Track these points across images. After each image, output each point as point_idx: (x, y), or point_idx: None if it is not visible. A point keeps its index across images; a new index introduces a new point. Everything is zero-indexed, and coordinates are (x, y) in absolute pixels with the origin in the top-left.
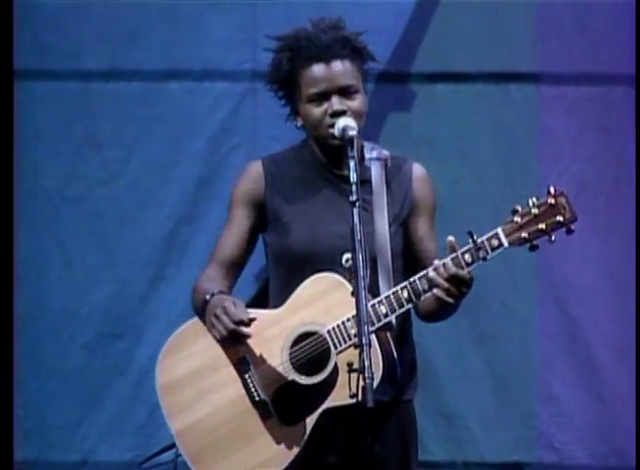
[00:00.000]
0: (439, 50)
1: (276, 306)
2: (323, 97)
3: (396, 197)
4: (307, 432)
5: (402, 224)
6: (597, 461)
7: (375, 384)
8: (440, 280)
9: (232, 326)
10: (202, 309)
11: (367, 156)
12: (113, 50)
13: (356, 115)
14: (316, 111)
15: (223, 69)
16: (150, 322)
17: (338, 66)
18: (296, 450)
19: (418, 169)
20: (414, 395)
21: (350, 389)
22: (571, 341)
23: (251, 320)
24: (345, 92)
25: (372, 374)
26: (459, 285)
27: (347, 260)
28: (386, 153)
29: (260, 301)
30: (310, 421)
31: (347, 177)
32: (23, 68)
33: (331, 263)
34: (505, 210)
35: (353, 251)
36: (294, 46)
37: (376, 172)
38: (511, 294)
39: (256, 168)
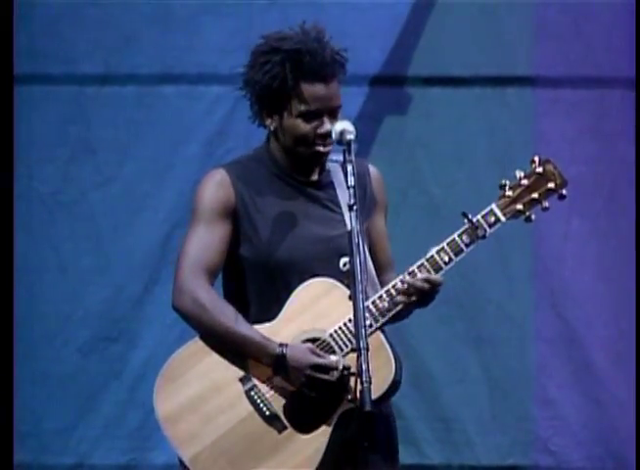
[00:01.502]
0: (435, 53)
1: (265, 319)
2: (313, 115)
3: (359, 197)
4: (328, 437)
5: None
6: (593, 465)
7: (389, 382)
8: (413, 281)
9: (333, 379)
10: (256, 355)
11: (327, 159)
12: (107, 54)
13: None
14: (305, 127)
15: (218, 73)
16: (144, 326)
17: (334, 86)
18: (320, 456)
19: (374, 171)
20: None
21: (349, 393)
22: (567, 344)
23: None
24: (334, 112)
25: (369, 378)
26: (430, 291)
27: (345, 264)
28: (340, 156)
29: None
30: (329, 426)
31: (312, 182)
32: (18, 72)
33: (312, 268)
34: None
35: (351, 255)
36: (297, 59)
37: (337, 175)
38: (507, 297)
39: (222, 176)
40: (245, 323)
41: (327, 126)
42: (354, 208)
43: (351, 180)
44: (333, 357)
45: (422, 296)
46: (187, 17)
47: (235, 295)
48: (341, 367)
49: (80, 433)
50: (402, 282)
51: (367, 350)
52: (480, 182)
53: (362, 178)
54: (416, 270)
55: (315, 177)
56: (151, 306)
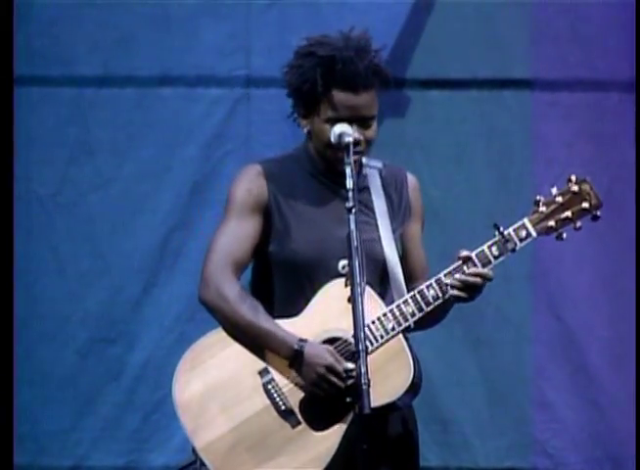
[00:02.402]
0: (434, 56)
1: (289, 315)
2: (342, 121)
3: (395, 204)
4: (340, 437)
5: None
6: (591, 467)
7: (406, 387)
8: (465, 277)
9: (344, 386)
10: (275, 349)
11: (364, 164)
12: (106, 56)
13: (369, 142)
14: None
15: (217, 75)
16: (143, 328)
17: (365, 97)
18: (330, 455)
19: (412, 179)
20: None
21: (349, 395)
22: (565, 347)
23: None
24: (364, 121)
25: (368, 380)
26: (481, 285)
27: (344, 267)
28: (380, 162)
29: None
30: (342, 426)
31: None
32: (16, 73)
33: (337, 269)
34: (499, 216)
35: (350, 257)
36: (329, 66)
37: (374, 181)
38: (505, 299)
39: (257, 172)
40: (267, 317)
41: (353, 135)
42: (353, 210)
43: (350, 183)
44: (349, 365)
45: (473, 290)
46: (185, 18)
47: (261, 289)
48: (352, 377)
49: (78, 435)
50: (438, 281)
51: (366, 352)
52: (478, 184)
53: (399, 185)
54: (443, 278)
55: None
56: (149, 308)
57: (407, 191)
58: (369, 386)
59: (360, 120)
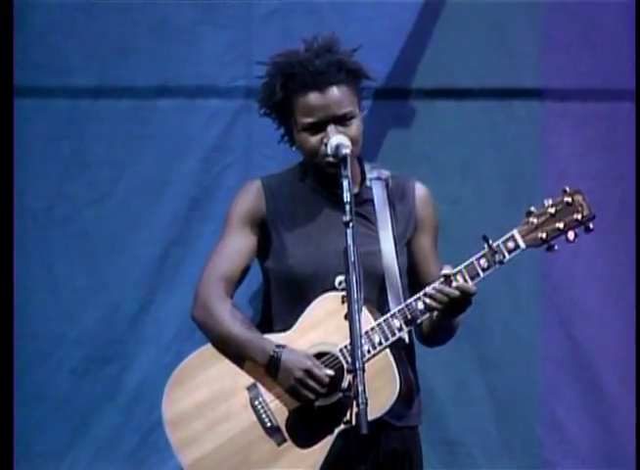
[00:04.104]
0: (440, 65)
1: (284, 330)
2: (318, 126)
3: (400, 216)
4: (324, 454)
5: (407, 244)
6: None
7: (391, 402)
8: (448, 289)
9: (322, 391)
10: (249, 355)
11: (368, 175)
12: (102, 66)
13: (352, 141)
14: (312, 140)
15: (217, 85)
16: (140, 347)
17: (333, 93)
18: None
19: (421, 188)
20: (419, 421)
21: (345, 415)
22: (576, 365)
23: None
24: (341, 120)
25: (365, 400)
26: (463, 299)
27: (341, 283)
28: (386, 173)
29: (265, 327)
30: (327, 443)
31: None
32: None
33: (335, 284)
34: (508, 230)
35: (347, 272)
36: (287, 72)
37: (378, 192)
38: (514, 316)
39: (257, 187)
40: (248, 327)
41: (332, 135)
42: (350, 225)
43: (347, 196)
44: (329, 371)
45: (452, 304)
46: (184, 27)
47: (266, 304)
48: (326, 382)
49: (74, 456)
50: (426, 295)
51: (363, 371)
52: (486, 198)
53: (406, 196)
54: (429, 290)
55: (354, 191)
56: (147, 327)
57: (414, 202)
58: (366, 405)
59: (337, 120)
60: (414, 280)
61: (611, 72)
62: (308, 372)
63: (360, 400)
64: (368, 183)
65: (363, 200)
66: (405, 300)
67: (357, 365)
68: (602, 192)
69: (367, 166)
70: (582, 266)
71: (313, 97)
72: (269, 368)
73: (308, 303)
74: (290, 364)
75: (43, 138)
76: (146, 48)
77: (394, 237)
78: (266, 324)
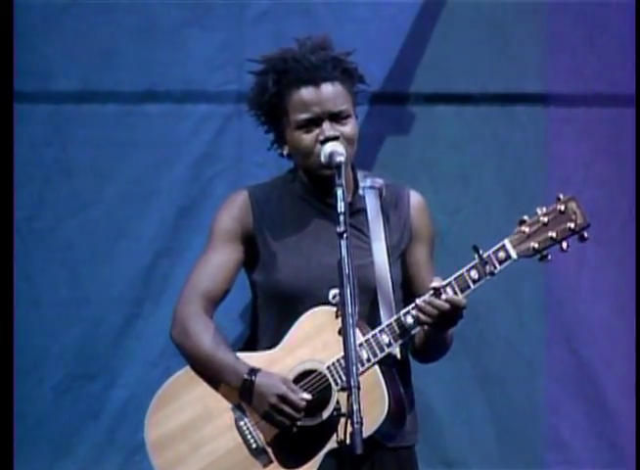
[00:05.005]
0: (440, 68)
1: (271, 347)
2: (313, 123)
3: (394, 226)
4: None
5: (401, 254)
6: None
7: (379, 422)
8: (438, 302)
9: (298, 416)
10: (222, 377)
11: (361, 184)
12: (85, 69)
13: (348, 141)
14: (306, 138)
15: (206, 90)
16: (125, 363)
17: (328, 89)
18: None
19: (416, 197)
20: (415, 440)
21: (338, 434)
22: (581, 383)
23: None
24: (337, 117)
25: (360, 419)
26: (453, 312)
27: (335, 296)
28: (380, 181)
29: (252, 343)
30: (314, 463)
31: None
32: None
33: (325, 298)
34: None
35: (341, 286)
36: (280, 68)
37: (371, 201)
38: (516, 332)
39: (243, 198)
40: (225, 349)
41: (328, 132)
42: (344, 236)
43: (341, 206)
44: (305, 395)
45: (442, 318)
46: (172, 29)
47: (254, 320)
48: (302, 407)
49: None
50: (415, 308)
51: (359, 388)
52: (487, 208)
53: (400, 205)
54: (419, 303)
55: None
56: (132, 342)
57: (409, 211)
58: (361, 424)
59: (331, 117)
60: (409, 293)
61: (618, 77)
62: (282, 397)
63: (355, 419)
64: (361, 192)
65: (356, 209)
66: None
67: (352, 383)
68: (608, 201)
69: (360, 174)
70: (588, 279)
71: (308, 92)
72: (242, 393)
73: (297, 318)
74: (264, 389)
75: (24, 145)
76: (132, 50)
77: (388, 249)
78: (254, 340)
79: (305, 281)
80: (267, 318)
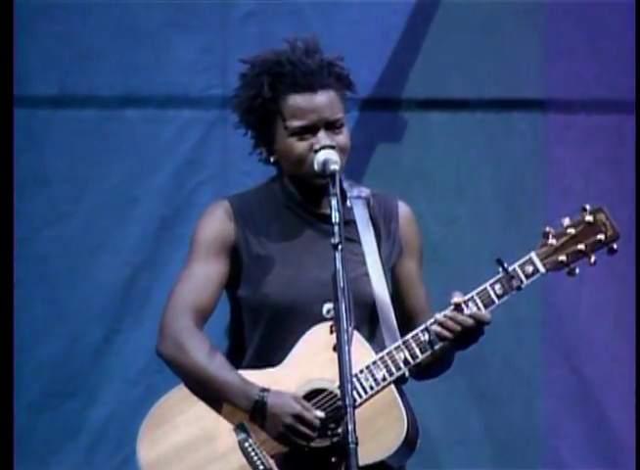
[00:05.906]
0: (434, 73)
1: (271, 365)
2: (308, 131)
3: (384, 237)
4: None
5: (391, 268)
6: None
7: (398, 444)
8: (461, 317)
9: (314, 436)
10: (233, 400)
11: (348, 194)
12: (63, 73)
13: (342, 151)
14: (300, 145)
15: (189, 94)
16: (104, 380)
17: (325, 96)
18: None
19: (404, 208)
20: (406, 461)
21: (335, 454)
22: (580, 401)
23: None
24: (332, 126)
25: (356, 438)
26: (476, 328)
27: (329, 311)
28: (366, 190)
29: (233, 363)
30: None
31: (328, 216)
32: None
33: (315, 313)
34: (508, 254)
35: (336, 300)
36: (276, 71)
37: (359, 212)
38: (514, 348)
39: (225, 209)
40: (227, 367)
41: (324, 141)
42: (339, 247)
43: (336, 216)
44: (319, 413)
45: (464, 334)
46: (154, 31)
47: (235, 335)
48: (317, 425)
49: None
50: (435, 323)
51: (354, 407)
52: (484, 219)
53: (389, 216)
54: (440, 318)
55: None
56: (111, 359)
57: (398, 222)
58: (357, 445)
59: (328, 125)
60: (401, 309)
61: (620, 82)
62: (298, 417)
63: (350, 439)
64: (349, 203)
65: (345, 220)
66: (399, 328)
67: (347, 401)
68: (610, 211)
69: (345, 184)
70: (588, 294)
71: (305, 98)
72: (254, 415)
73: (289, 335)
74: (278, 410)
75: None
76: (111, 53)
77: (382, 260)
78: (236, 359)
79: (294, 295)
80: (255, 335)
